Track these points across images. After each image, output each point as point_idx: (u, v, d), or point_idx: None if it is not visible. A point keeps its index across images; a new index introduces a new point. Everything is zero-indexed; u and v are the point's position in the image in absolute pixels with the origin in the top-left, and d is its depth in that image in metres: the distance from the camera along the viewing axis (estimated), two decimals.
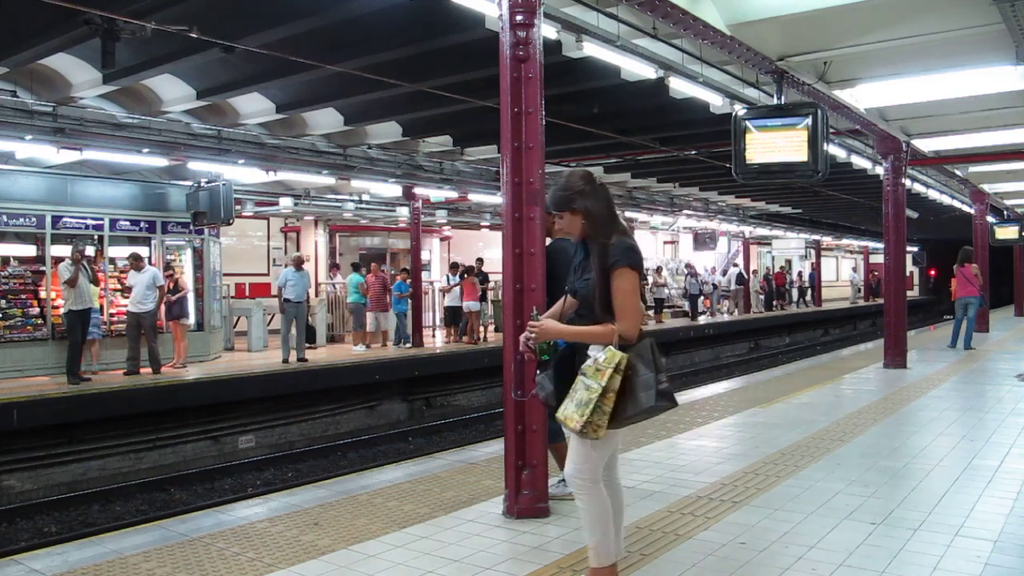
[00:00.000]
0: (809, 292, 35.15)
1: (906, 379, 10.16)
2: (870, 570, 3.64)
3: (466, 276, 16.87)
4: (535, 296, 4.50)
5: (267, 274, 22.61)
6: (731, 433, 6.98)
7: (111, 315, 12.61)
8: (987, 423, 7.13)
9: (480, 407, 15.11)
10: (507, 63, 4.54)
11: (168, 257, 13.60)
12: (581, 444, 3.15)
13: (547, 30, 6.34)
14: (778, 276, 32.38)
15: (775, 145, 7.26)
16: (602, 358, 3.03)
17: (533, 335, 3.20)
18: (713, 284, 27.53)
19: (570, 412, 3.04)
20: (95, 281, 11.60)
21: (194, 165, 13.02)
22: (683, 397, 9.30)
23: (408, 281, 16.74)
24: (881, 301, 17.01)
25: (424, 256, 22.32)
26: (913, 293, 40.40)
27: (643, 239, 29.72)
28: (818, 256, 37.01)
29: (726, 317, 26.67)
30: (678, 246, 34.69)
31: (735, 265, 30.50)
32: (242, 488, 9.74)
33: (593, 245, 3.18)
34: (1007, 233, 19.72)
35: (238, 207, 16.04)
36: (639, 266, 3.16)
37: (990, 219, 19.51)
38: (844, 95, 8.98)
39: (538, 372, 3.42)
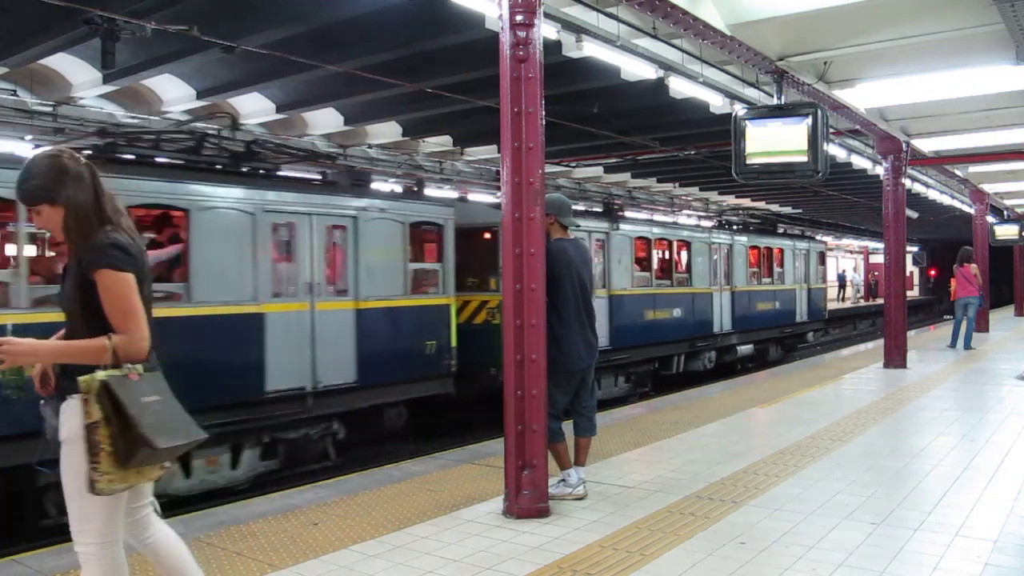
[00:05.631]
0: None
1: (906, 379, 10.16)
2: (870, 570, 3.64)
3: None
4: (535, 296, 4.50)
5: None
6: (731, 433, 6.98)
7: None
8: (987, 423, 7.13)
9: None
10: (507, 63, 4.55)
11: None
12: (79, 496, 2.46)
13: (547, 30, 6.34)
14: None
15: (775, 145, 7.25)
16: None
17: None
18: None
19: None
20: None
21: None
22: (683, 396, 9.30)
23: None
24: (881, 301, 17.00)
25: None
26: (913, 293, 40.39)
27: None
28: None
29: None
30: None
31: None
32: None
33: (71, 245, 2.54)
34: (1007, 233, 19.73)
35: None
36: (129, 266, 2.49)
37: (990, 219, 19.52)
38: (844, 95, 8.97)
39: (42, 401, 2.62)
